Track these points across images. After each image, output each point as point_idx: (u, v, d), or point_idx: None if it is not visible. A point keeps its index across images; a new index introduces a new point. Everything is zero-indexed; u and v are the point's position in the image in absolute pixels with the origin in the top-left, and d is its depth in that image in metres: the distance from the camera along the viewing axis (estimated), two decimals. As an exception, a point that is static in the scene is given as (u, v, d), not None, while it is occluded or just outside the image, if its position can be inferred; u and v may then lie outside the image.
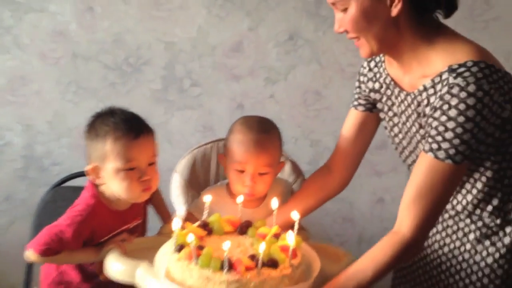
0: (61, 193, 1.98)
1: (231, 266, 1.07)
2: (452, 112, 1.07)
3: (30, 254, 1.32)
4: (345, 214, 2.41)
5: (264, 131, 1.39)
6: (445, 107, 1.08)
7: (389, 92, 1.30)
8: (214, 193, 1.42)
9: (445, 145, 1.09)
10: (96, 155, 1.35)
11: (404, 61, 1.21)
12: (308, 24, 2.21)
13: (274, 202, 1.31)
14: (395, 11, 1.12)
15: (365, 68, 1.37)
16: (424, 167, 1.12)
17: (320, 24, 2.20)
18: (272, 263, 1.10)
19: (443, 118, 1.09)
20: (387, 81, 1.29)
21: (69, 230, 1.31)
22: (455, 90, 1.07)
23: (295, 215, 1.22)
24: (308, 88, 2.29)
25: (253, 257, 1.10)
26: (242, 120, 1.44)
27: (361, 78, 1.38)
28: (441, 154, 1.09)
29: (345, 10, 1.15)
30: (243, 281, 1.06)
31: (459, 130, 1.07)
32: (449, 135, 1.08)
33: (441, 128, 1.09)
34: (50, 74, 2.26)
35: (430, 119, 1.12)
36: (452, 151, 1.08)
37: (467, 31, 1.98)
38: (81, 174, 1.96)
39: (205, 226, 1.25)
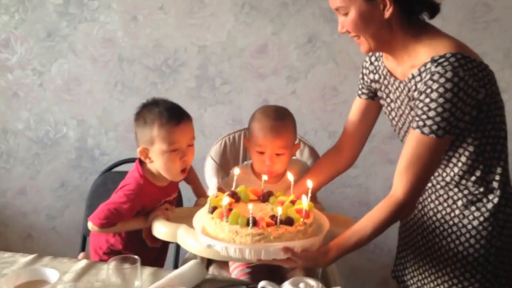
0: (110, 177, 2.14)
1: (255, 223, 1.24)
2: (434, 95, 1.19)
3: (91, 226, 1.51)
4: (361, 199, 2.47)
5: (279, 118, 1.55)
6: (428, 90, 1.20)
7: (386, 81, 1.41)
8: (241, 170, 1.59)
9: (429, 122, 1.21)
10: (145, 139, 1.51)
11: (396, 54, 1.33)
12: (325, 28, 2.27)
13: (290, 176, 1.48)
14: (387, 14, 1.25)
15: (367, 62, 1.50)
16: (413, 141, 1.25)
17: (336, 28, 2.07)
18: (288, 221, 1.27)
19: (427, 100, 1.21)
20: (384, 72, 1.41)
21: (125, 206, 1.49)
22: (435, 77, 1.19)
23: (309, 183, 1.38)
24: (326, 84, 2.35)
25: (273, 217, 1.28)
26: (261, 109, 1.59)
27: (364, 71, 1.51)
28: (426, 129, 1.22)
29: (346, 14, 1.27)
30: (264, 234, 1.23)
31: (439, 109, 1.19)
32: (431, 113, 1.20)
33: (425, 108, 1.21)
34: (100, 76, 2.43)
35: (417, 102, 1.24)
36: (434, 127, 1.21)
37: (469, 31, 2.19)
38: (126, 161, 2.20)
39: (233, 194, 1.42)
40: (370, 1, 1.24)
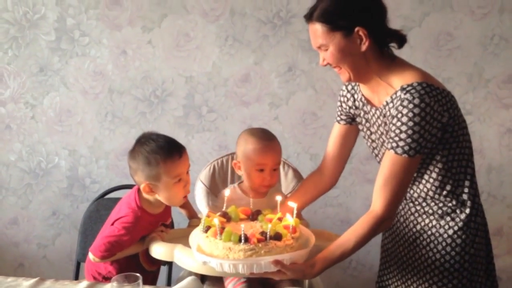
0: (103, 204, 2.20)
1: (247, 239, 1.33)
2: (404, 119, 1.29)
3: (92, 258, 1.56)
4: (343, 217, 2.55)
5: (271, 138, 1.68)
6: (399, 115, 1.30)
7: (365, 108, 1.50)
8: (230, 191, 1.66)
9: (401, 143, 1.31)
10: (150, 176, 1.54)
11: (372, 84, 1.43)
12: (303, 58, 2.38)
13: (278, 197, 1.58)
14: (363, 47, 1.34)
15: (344, 90, 1.59)
16: (388, 161, 1.35)
17: (314, 57, 2.34)
18: (277, 236, 1.36)
19: (398, 123, 1.31)
20: (363, 100, 1.50)
21: (125, 238, 1.54)
22: (405, 103, 1.29)
23: (292, 204, 1.47)
24: (306, 110, 2.44)
25: (262, 233, 1.36)
26: (249, 133, 1.69)
27: (341, 99, 1.60)
28: (399, 150, 1.32)
29: (326, 49, 1.37)
30: (256, 249, 1.32)
31: (410, 131, 1.29)
32: (403, 135, 1.30)
33: (397, 131, 1.31)
34: (91, 107, 2.50)
35: (391, 125, 1.34)
36: (406, 148, 1.31)
37: (435, 58, 2.36)
38: (117, 188, 2.29)
39: (224, 215, 1.51)
40: (348, 37, 1.34)
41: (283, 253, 1.36)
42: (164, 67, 2.45)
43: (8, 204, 2.66)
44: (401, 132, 1.31)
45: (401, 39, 1.40)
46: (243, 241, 1.34)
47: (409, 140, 1.31)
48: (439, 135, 1.35)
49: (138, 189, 1.63)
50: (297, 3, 2.35)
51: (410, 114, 1.29)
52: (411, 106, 1.29)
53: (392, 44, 1.42)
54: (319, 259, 1.39)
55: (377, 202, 1.37)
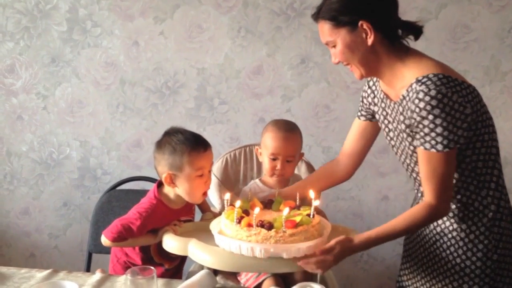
0: (115, 195, 2.21)
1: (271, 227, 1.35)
2: (423, 113, 1.26)
3: (103, 240, 1.56)
4: (355, 211, 2.55)
5: (289, 130, 1.70)
6: (417, 110, 1.27)
7: (383, 104, 1.48)
8: (253, 186, 1.76)
9: (427, 138, 1.28)
10: (173, 166, 1.57)
11: (386, 78, 1.41)
12: (316, 50, 2.36)
13: (311, 193, 1.52)
14: (369, 41, 1.32)
15: (365, 86, 1.58)
16: (421, 158, 1.33)
17: (327, 50, 2.08)
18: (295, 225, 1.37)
19: (418, 118, 1.27)
20: (381, 95, 1.48)
21: (136, 223, 1.54)
22: (420, 95, 1.26)
23: (311, 193, 1.47)
24: (318, 103, 2.44)
25: (291, 223, 1.37)
26: (273, 122, 1.75)
27: (363, 94, 1.59)
28: (427, 145, 1.29)
29: (334, 46, 1.37)
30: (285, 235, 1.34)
31: (431, 125, 1.26)
32: (426, 130, 1.27)
33: (420, 126, 1.28)
34: (102, 98, 2.51)
35: (412, 120, 1.30)
36: (433, 142, 1.28)
37: (451, 51, 2.33)
38: (129, 180, 2.30)
39: (267, 204, 1.56)
40: (353, 32, 1.33)
41: (310, 239, 1.37)
42: (176, 59, 2.44)
43: (20, 194, 2.68)
44: (424, 126, 1.28)
45: (416, 31, 1.37)
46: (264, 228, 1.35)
47: (433, 134, 1.28)
48: (463, 127, 1.29)
49: (159, 184, 1.66)
50: (311, -6, 2.32)
51: (428, 107, 1.26)
52: (427, 98, 1.25)
53: (409, 36, 1.39)
54: (357, 237, 1.37)
55: (426, 193, 1.35)
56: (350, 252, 1.36)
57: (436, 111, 1.25)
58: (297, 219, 1.39)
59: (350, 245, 1.36)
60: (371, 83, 1.57)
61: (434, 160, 1.30)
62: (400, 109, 1.39)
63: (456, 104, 1.25)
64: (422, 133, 1.30)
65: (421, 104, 1.27)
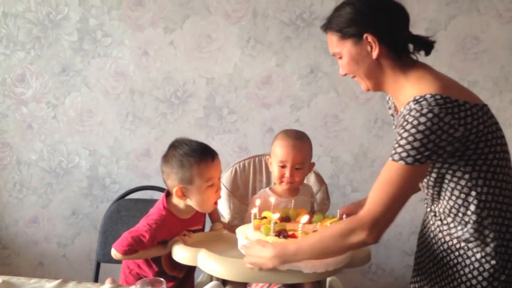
0: (123, 205, 2.22)
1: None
2: (407, 126, 1.23)
3: (114, 253, 1.56)
4: None
5: (298, 139, 1.73)
6: (404, 123, 1.24)
7: (393, 117, 1.52)
8: (263, 194, 1.77)
9: (399, 149, 1.23)
10: (183, 179, 1.56)
11: (392, 92, 1.40)
12: (326, 60, 2.37)
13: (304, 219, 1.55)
14: (374, 54, 1.32)
15: (387, 97, 1.56)
16: (385, 166, 1.28)
17: (336, 60, 2.33)
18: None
19: (401, 130, 1.24)
20: (393, 107, 1.50)
21: (147, 235, 1.54)
22: (412, 112, 1.23)
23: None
24: (327, 112, 2.43)
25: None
26: (284, 131, 1.79)
27: (387, 105, 1.59)
28: (396, 156, 1.24)
29: (341, 58, 1.37)
30: None
31: (410, 138, 1.22)
32: (402, 142, 1.23)
33: (398, 138, 1.25)
34: (112, 107, 2.52)
35: (396, 134, 1.29)
36: (404, 154, 1.23)
37: (460, 62, 2.33)
38: (137, 189, 2.31)
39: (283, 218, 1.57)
40: (358, 44, 1.33)
41: None
42: (186, 68, 2.45)
43: (28, 203, 2.69)
44: (401, 138, 1.25)
45: (427, 46, 1.36)
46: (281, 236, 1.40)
47: (408, 146, 1.23)
48: (449, 149, 1.25)
49: (167, 194, 1.65)
50: (320, 5, 2.33)
51: (415, 122, 1.23)
52: (417, 115, 1.23)
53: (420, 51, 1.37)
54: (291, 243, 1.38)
55: (364, 207, 1.29)
56: (280, 256, 1.35)
57: (421, 127, 1.22)
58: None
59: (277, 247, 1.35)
60: (387, 97, 1.57)
61: (392, 170, 1.25)
62: (399, 123, 1.38)
63: (446, 126, 1.22)
64: (394, 141, 1.27)
65: (410, 119, 1.24)
